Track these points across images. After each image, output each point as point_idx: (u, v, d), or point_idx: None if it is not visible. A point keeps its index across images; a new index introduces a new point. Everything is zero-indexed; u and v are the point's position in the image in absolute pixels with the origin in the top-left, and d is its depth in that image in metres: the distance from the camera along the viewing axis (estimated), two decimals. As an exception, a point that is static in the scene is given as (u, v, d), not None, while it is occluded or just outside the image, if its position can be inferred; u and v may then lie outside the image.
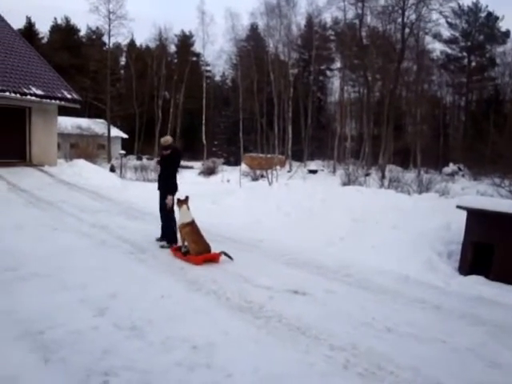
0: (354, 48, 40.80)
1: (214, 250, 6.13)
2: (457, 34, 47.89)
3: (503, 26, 46.64)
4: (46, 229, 7.43)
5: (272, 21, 43.84)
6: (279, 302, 4.52)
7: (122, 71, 57.43)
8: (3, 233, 6.95)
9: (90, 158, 22.31)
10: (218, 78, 62.87)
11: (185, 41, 56.52)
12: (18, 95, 15.15)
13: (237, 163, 38.22)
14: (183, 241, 6.26)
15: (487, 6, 46.22)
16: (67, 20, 56.94)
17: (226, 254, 6.05)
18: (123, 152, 26.65)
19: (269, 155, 31.04)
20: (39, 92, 15.89)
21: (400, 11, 35.54)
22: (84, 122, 41.91)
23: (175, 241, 6.65)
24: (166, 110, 49.79)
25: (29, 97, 15.50)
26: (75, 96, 17.40)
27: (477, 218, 5.92)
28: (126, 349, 3.41)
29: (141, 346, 3.48)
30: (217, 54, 58.80)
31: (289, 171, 35.94)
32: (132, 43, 56.01)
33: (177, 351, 3.41)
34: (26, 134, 16.51)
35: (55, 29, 56.36)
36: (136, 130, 50.26)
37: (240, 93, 42.46)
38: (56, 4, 61.04)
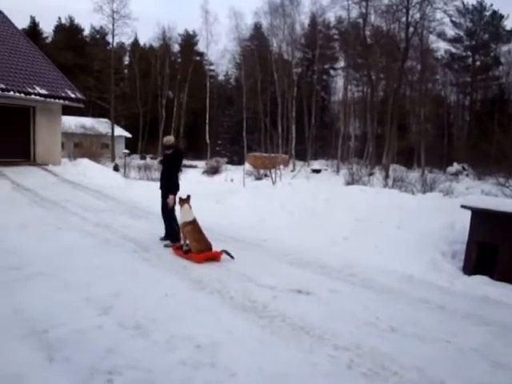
0: (358, 47, 40.70)
1: (217, 249, 6.14)
2: (461, 33, 47.67)
3: (508, 24, 46.60)
4: (50, 228, 7.45)
5: (276, 20, 43.81)
6: (283, 302, 4.52)
7: (126, 71, 57.53)
8: (8, 232, 6.97)
9: (94, 157, 22.33)
10: (221, 78, 62.95)
11: (188, 40, 56.50)
12: (23, 95, 15.18)
13: (240, 162, 38.26)
14: (185, 239, 6.28)
15: (492, 5, 46.06)
16: (71, 19, 57.16)
17: (227, 253, 6.06)
18: (127, 151, 26.71)
19: (272, 154, 31.02)
20: (43, 91, 15.92)
21: (404, 10, 35.41)
22: (88, 121, 41.99)
23: (179, 239, 6.67)
24: (170, 110, 49.81)
25: (33, 96, 15.53)
26: (79, 95, 17.42)
27: (481, 218, 5.90)
28: (130, 348, 3.42)
29: (145, 345, 3.48)
30: (220, 53, 58.76)
31: (292, 171, 35.94)
32: (136, 43, 56.19)
33: (181, 350, 3.42)
34: (30, 134, 16.55)
35: (59, 28, 56.52)
36: (140, 130, 50.33)
37: (243, 92, 42.43)
38: (60, 3, 61.25)
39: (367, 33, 40.04)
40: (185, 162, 33.81)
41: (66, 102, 16.92)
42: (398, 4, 35.74)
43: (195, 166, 35.88)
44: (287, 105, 42.96)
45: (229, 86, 61.72)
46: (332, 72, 56.44)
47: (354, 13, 40.90)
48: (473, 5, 45.96)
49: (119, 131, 45.80)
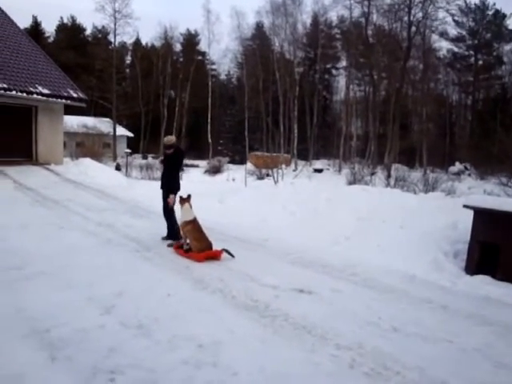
0: (360, 46, 40.75)
1: (217, 248, 6.15)
2: (464, 32, 47.56)
3: (510, 23, 46.33)
4: (52, 227, 7.46)
5: (278, 19, 43.88)
6: (285, 301, 4.52)
7: (128, 70, 57.61)
8: (10, 231, 6.97)
9: (96, 156, 22.37)
10: (223, 77, 62.90)
11: (190, 39, 56.51)
12: (25, 94, 15.19)
13: (242, 162, 38.25)
14: (185, 238, 6.30)
15: (494, 4, 45.94)
16: (73, 19, 57.23)
17: (227, 252, 6.08)
18: (129, 151, 26.75)
19: (274, 154, 31.06)
20: (45, 91, 15.93)
21: (406, 9, 35.44)
22: (90, 120, 42.00)
23: (178, 237, 6.69)
24: (172, 109, 49.83)
25: (35, 96, 15.54)
26: (81, 95, 17.44)
27: (483, 218, 5.89)
28: (133, 347, 3.42)
29: (147, 344, 3.48)
30: (222, 52, 58.72)
31: (294, 170, 35.94)
32: (137, 42, 56.20)
33: (183, 350, 3.42)
34: (32, 133, 16.57)
35: (61, 28, 56.61)
36: (141, 129, 50.38)
37: (245, 91, 42.49)
38: (62, 3, 61.23)
39: (369, 32, 40.10)
40: (187, 161, 33.90)
41: (68, 102, 16.93)
42: (400, 3, 35.78)
43: (197, 166, 35.93)
44: (289, 104, 42.97)
45: (231, 86, 61.72)
46: (334, 71, 56.47)
47: (356, 12, 41.01)
48: (475, 4, 45.90)
49: (121, 131, 45.82)
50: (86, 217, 8.49)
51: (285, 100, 42.80)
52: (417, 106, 43.52)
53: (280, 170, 22.05)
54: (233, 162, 41.68)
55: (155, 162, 21.52)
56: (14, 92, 14.86)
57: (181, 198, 6.48)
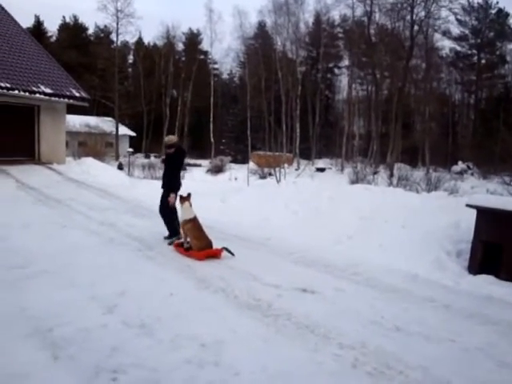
0: (363, 46, 40.69)
1: (218, 246, 6.17)
2: (466, 31, 47.49)
3: (513, 22, 46.22)
4: (55, 226, 7.46)
5: (280, 18, 43.91)
6: (288, 300, 4.51)
7: (130, 69, 57.72)
8: (12, 230, 6.98)
9: (98, 155, 22.43)
10: (225, 76, 62.95)
11: (192, 39, 56.54)
12: (27, 93, 15.22)
13: (244, 161, 38.21)
14: (185, 237, 6.32)
15: (498, 3, 45.84)
16: (75, 18, 57.32)
17: (227, 250, 6.09)
18: (131, 150, 26.77)
19: (277, 153, 31.07)
20: (48, 90, 15.96)
21: (409, 8, 35.35)
22: (92, 120, 42.09)
23: (179, 233, 6.74)
24: (174, 108, 49.84)
25: (38, 95, 15.57)
26: (83, 94, 17.46)
27: (486, 217, 5.87)
28: (135, 346, 3.42)
29: (150, 343, 3.48)
30: (224, 52, 58.98)
31: (296, 169, 35.92)
32: (140, 41, 56.30)
33: (185, 349, 3.41)
34: (34, 132, 16.60)
35: (64, 27, 56.66)
36: (144, 128, 50.43)
37: (248, 91, 42.47)
38: (64, 3, 61.32)
39: (372, 31, 40.02)
40: (189, 160, 33.94)
41: (71, 101, 16.96)
42: (403, 2, 35.69)
43: (199, 165, 35.93)
44: (291, 103, 42.96)
45: (233, 85, 61.75)
46: (336, 70, 56.47)
47: (359, 11, 40.94)
48: (478, 3, 45.78)
49: (123, 130, 45.91)
50: (89, 216, 8.50)
51: (287, 99, 42.81)
52: (419, 105, 43.48)
53: (282, 170, 22.03)
54: (235, 161, 41.69)
55: (157, 161, 21.55)
56: (16, 91, 14.89)
57: (181, 196, 6.51)
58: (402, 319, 4.17)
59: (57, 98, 16.30)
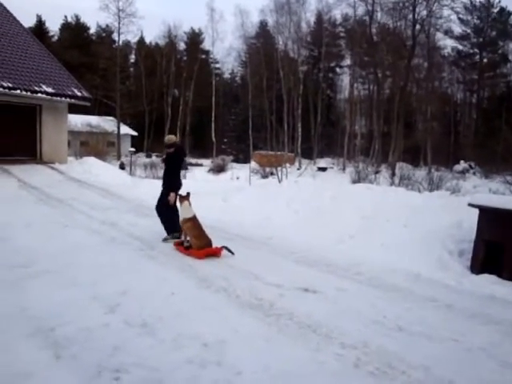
0: (364, 45, 40.66)
1: (218, 245, 6.18)
2: (468, 30, 47.38)
3: (516, 21, 46.11)
4: (57, 226, 7.47)
5: (281, 18, 43.83)
6: (290, 300, 4.51)
7: (132, 69, 57.74)
8: (14, 230, 6.99)
9: (100, 155, 22.41)
10: (227, 76, 63.00)
11: (194, 38, 56.56)
12: (29, 93, 15.24)
13: (246, 161, 38.25)
14: (185, 236, 6.35)
15: (500, 2, 45.73)
16: (77, 18, 57.38)
17: (227, 249, 6.12)
18: (133, 149, 26.77)
19: (278, 152, 31.07)
20: (50, 90, 15.98)
21: (411, 7, 35.24)
22: (94, 119, 42.09)
23: (176, 230, 6.78)
24: (176, 108, 49.86)
25: (39, 95, 15.59)
26: (85, 94, 17.48)
27: (489, 217, 5.85)
28: (137, 346, 3.42)
29: (151, 343, 3.48)
30: (226, 51, 59.08)
31: (298, 169, 35.90)
32: (141, 41, 56.33)
33: (187, 349, 3.41)
34: (36, 132, 16.64)
35: (65, 27, 56.75)
36: (145, 128, 50.43)
37: (249, 90, 42.41)
38: (66, 2, 61.35)
39: (373, 30, 39.92)
40: (191, 160, 33.96)
41: (73, 101, 16.99)
42: (405, 1, 35.59)
43: (201, 165, 35.94)
44: (293, 103, 42.94)
45: (234, 84, 61.77)
46: (338, 70, 56.45)
47: (361, 10, 40.93)
48: (480, 1, 45.65)
49: (125, 129, 45.92)
50: (90, 215, 8.51)
51: (289, 98, 42.76)
52: (421, 104, 43.41)
53: (284, 169, 22.04)
54: (237, 160, 41.70)
55: (159, 160, 21.56)
56: (18, 91, 14.92)
57: (180, 195, 6.56)
58: (404, 319, 4.16)
59: (59, 98, 16.33)
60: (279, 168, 21.58)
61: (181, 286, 4.80)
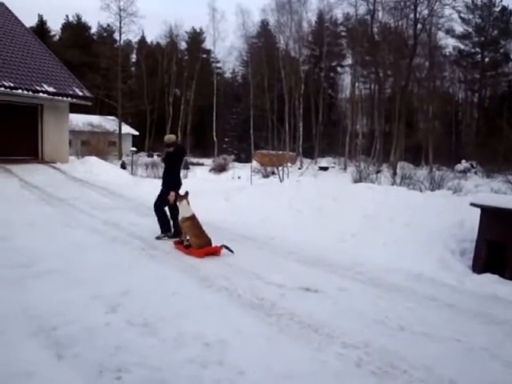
0: (366, 44, 40.63)
1: (218, 243, 6.19)
2: (470, 30, 47.27)
3: (518, 20, 46.01)
4: (58, 225, 7.48)
5: (283, 17, 43.83)
6: (291, 300, 4.50)
7: (133, 68, 57.75)
8: (16, 229, 7.00)
9: (102, 154, 22.45)
10: (228, 75, 62.98)
11: (195, 38, 56.57)
12: (31, 93, 15.26)
13: (248, 160, 38.25)
14: (185, 234, 6.38)
15: (501, 1, 45.54)
16: (78, 17, 57.41)
17: (226, 248, 6.14)
18: (134, 149, 26.79)
19: (280, 152, 31.06)
20: (51, 89, 15.99)
21: (412, 6, 35.16)
22: (95, 119, 42.14)
23: (169, 229, 6.93)
24: (177, 107, 49.87)
25: (41, 94, 15.61)
26: (86, 93, 17.49)
27: (491, 216, 5.84)
28: (139, 345, 3.42)
29: (153, 342, 3.48)
30: (227, 50, 59.08)
31: (300, 168, 35.88)
32: (143, 40, 56.31)
33: (189, 348, 3.41)
34: (38, 132, 16.65)
35: (67, 26, 56.83)
36: (147, 127, 50.47)
37: (251, 89, 42.46)
38: (67, 2, 61.38)
39: (375, 30, 39.82)
40: (192, 159, 33.94)
41: (74, 100, 17.01)
42: (406, 0, 35.52)
43: (202, 164, 35.93)
44: (294, 102, 42.92)
45: (236, 84, 61.75)
46: (339, 69, 56.39)
47: (362, 9, 40.84)
48: (482, 0, 45.51)
49: (126, 129, 45.93)
50: (92, 215, 8.52)
51: (290, 98, 42.72)
52: (423, 103, 43.41)
53: (285, 168, 22.03)
54: (238, 160, 41.64)
55: (160, 160, 21.56)
56: (20, 90, 14.94)
57: (179, 195, 6.59)
58: (406, 318, 4.15)
59: (60, 97, 16.35)
60: (280, 167, 21.57)
61: (182, 286, 4.80)
